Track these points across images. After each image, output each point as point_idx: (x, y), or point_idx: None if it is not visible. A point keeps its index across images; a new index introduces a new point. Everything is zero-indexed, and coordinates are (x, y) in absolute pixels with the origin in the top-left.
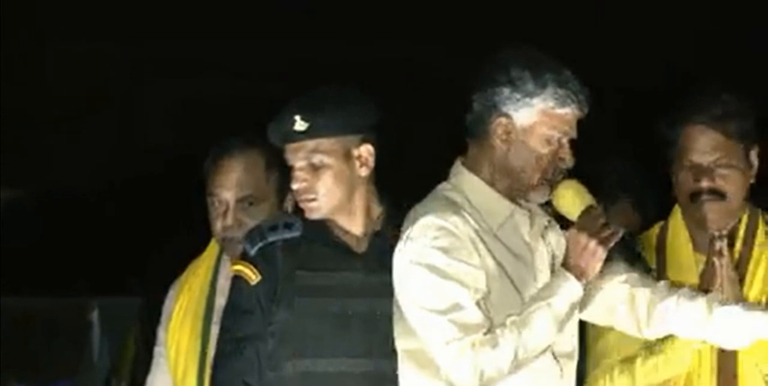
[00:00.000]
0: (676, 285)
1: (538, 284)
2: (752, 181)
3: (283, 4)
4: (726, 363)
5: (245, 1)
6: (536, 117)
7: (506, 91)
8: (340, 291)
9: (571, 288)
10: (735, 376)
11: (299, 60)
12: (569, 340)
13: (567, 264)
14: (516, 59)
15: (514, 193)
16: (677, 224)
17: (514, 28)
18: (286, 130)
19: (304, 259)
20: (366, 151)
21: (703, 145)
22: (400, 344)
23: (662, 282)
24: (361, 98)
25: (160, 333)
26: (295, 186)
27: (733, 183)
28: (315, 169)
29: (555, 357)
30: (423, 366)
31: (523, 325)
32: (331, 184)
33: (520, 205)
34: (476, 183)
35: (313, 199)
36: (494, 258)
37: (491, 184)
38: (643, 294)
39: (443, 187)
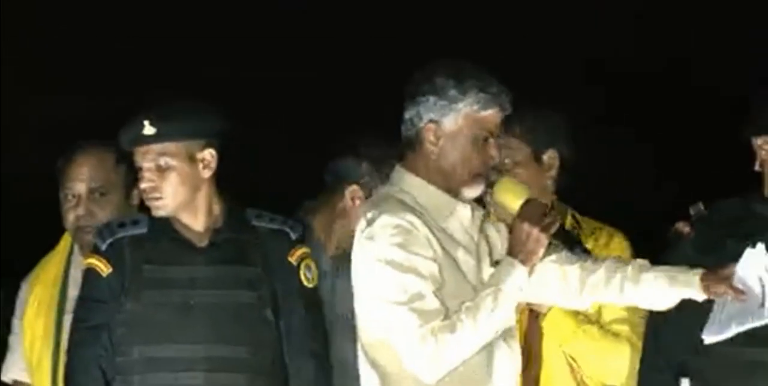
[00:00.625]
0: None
1: (483, 272)
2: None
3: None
4: (530, 345)
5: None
6: (461, 120)
7: (432, 99)
8: (183, 283)
9: (518, 274)
10: (539, 356)
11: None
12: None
13: (512, 252)
14: (440, 70)
15: (452, 191)
16: None
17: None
18: (135, 133)
19: (149, 254)
20: (209, 154)
21: None
22: (362, 338)
23: (590, 259)
24: (206, 108)
25: (15, 322)
26: (143, 185)
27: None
28: (161, 170)
29: (506, 342)
30: (384, 358)
31: (477, 310)
32: (176, 184)
33: (461, 200)
34: (418, 183)
35: (160, 198)
36: (445, 250)
37: (433, 183)
38: (573, 269)
39: (389, 190)
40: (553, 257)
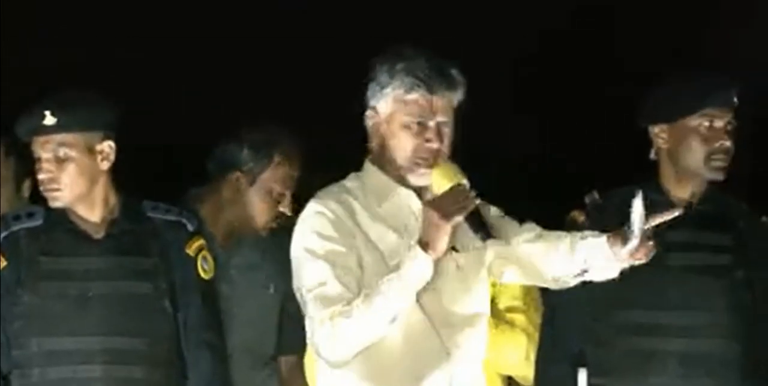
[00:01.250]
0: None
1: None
2: None
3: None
4: None
5: None
6: (392, 105)
7: (371, 85)
8: (80, 275)
9: (419, 261)
10: None
11: None
12: (462, 307)
13: (420, 239)
14: (382, 57)
15: (399, 177)
16: None
17: None
18: (35, 123)
19: (45, 245)
20: (108, 146)
21: None
22: None
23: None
24: (101, 99)
25: None
26: (41, 176)
27: None
28: (60, 161)
29: (436, 330)
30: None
31: (374, 295)
32: (74, 175)
33: (408, 185)
34: (371, 170)
35: (57, 189)
36: (367, 235)
37: (385, 170)
38: (536, 249)
39: (349, 176)
40: (526, 236)
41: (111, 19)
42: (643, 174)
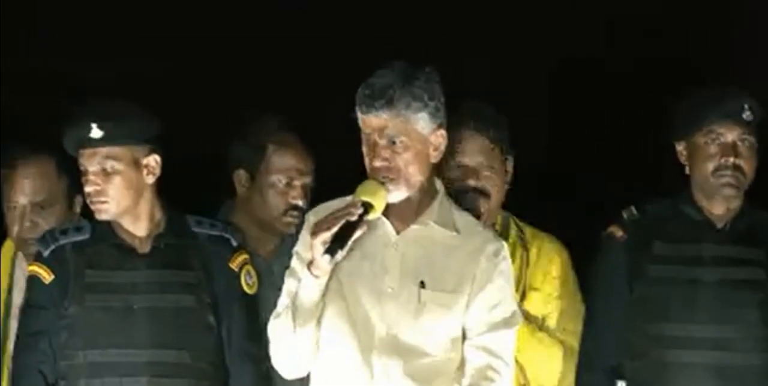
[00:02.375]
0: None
1: (385, 280)
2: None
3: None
4: None
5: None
6: (360, 123)
7: None
8: (125, 288)
9: (305, 279)
10: None
11: None
12: (409, 341)
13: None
14: None
15: None
16: None
17: None
18: (82, 136)
19: (91, 259)
20: (153, 160)
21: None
22: None
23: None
24: (146, 112)
25: None
26: (87, 189)
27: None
28: (107, 174)
29: (368, 360)
30: None
31: (285, 308)
32: (121, 188)
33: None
34: None
35: (104, 202)
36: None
37: None
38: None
39: None
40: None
41: (112, 23)
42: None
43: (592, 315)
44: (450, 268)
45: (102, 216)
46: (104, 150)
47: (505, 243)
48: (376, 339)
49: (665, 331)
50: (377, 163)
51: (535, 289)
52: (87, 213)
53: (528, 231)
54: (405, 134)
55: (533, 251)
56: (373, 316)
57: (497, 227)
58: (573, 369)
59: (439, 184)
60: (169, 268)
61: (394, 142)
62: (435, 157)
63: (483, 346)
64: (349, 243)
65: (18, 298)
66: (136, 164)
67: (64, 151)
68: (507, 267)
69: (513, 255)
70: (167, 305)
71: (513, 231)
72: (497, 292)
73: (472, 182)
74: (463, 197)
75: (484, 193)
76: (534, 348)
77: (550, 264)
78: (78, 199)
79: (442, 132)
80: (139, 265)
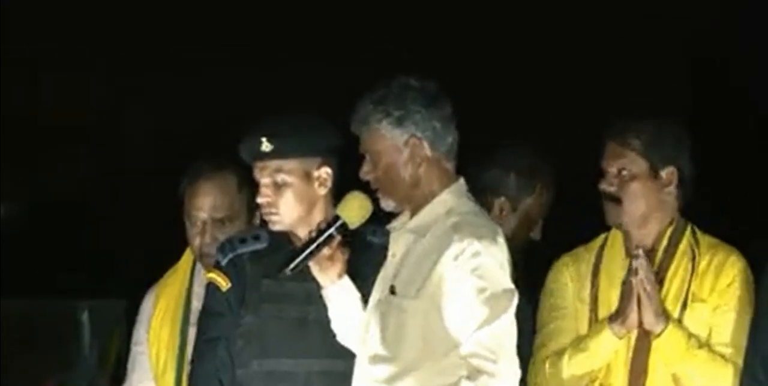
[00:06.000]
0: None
1: (375, 294)
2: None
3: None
4: (638, 360)
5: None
6: None
7: None
8: (301, 298)
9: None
10: (645, 371)
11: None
12: (387, 351)
13: None
14: None
15: None
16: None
17: None
18: (253, 149)
19: (268, 268)
20: (325, 172)
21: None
22: None
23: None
24: (321, 123)
25: (138, 332)
26: (259, 200)
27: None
28: (278, 186)
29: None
30: None
31: None
32: (291, 200)
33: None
34: None
35: (275, 213)
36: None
37: None
38: None
39: None
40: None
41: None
42: None
43: (757, 326)
44: (416, 273)
45: (275, 227)
46: (274, 163)
47: (476, 241)
48: (365, 348)
49: None
50: (362, 176)
51: (701, 301)
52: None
53: (705, 241)
54: (369, 149)
55: (704, 262)
56: (369, 326)
57: (665, 239)
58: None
59: (448, 190)
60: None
61: (370, 157)
62: (409, 163)
63: (474, 345)
64: (304, 256)
65: (197, 306)
66: (307, 176)
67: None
68: (479, 263)
69: (679, 264)
70: None
71: (685, 240)
72: (471, 292)
73: (603, 186)
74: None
75: (614, 199)
76: (692, 365)
77: (722, 276)
78: (259, 213)
79: (414, 141)
80: (313, 276)
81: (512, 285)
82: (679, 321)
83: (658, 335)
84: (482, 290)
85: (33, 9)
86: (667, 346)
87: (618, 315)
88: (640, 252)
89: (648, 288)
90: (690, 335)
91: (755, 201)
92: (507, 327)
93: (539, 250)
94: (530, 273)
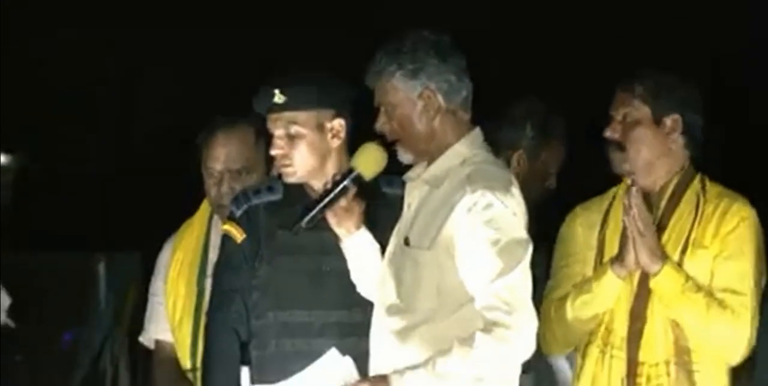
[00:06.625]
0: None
1: (392, 240)
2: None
3: None
4: (638, 305)
5: None
6: None
7: None
8: (316, 249)
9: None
10: (644, 316)
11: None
12: (406, 302)
13: None
14: None
15: None
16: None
17: None
18: (266, 101)
19: (283, 220)
20: (338, 124)
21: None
22: None
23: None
24: (334, 77)
25: (156, 283)
26: (273, 152)
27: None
28: (291, 138)
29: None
30: None
31: None
32: (305, 152)
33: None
34: None
35: (289, 165)
36: None
37: None
38: None
39: None
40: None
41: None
42: None
43: None
44: (430, 224)
45: (289, 179)
46: (287, 115)
47: (489, 193)
48: (381, 298)
49: None
50: (378, 129)
51: (703, 247)
52: None
53: (714, 190)
54: (387, 99)
55: (709, 209)
56: (385, 277)
57: (673, 182)
58: (740, 329)
59: (463, 141)
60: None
61: (384, 109)
62: (424, 115)
63: (489, 297)
64: (319, 208)
65: (214, 257)
66: (320, 128)
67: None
68: (492, 214)
69: (683, 211)
70: None
71: (692, 187)
72: (485, 244)
73: (607, 133)
74: None
75: (618, 145)
76: (687, 309)
77: (724, 223)
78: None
79: (428, 93)
80: (330, 226)
81: (526, 236)
82: (680, 265)
83: (655, 275)
84: (496, 242)
85: None
86: (662, 287)
87: (618, 256)
88: (633, 189)
89: (640, 225)
90: (688, 278)
91: None
92: (522, 279)
93: (554, 201)
94: (546, 224)
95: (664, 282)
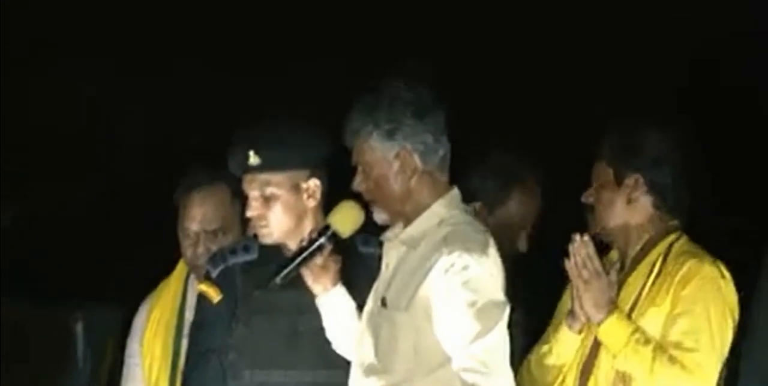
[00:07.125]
0: None
1: (369, 304)
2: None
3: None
4: (589, 358)
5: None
6: None
7: None
8: (292, 309)
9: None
10: (592, 370)
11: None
12: (377, 361)
13: None
14: None
15: None
16: None
17: None
18: (241, 162)
19: (259, 279)
20: (313, 184)
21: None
22: None
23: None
24: (309, 133)
25: (132, 345)
26: (248, 213)
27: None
28: (267, 199)
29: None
30: None
31: None
32: (280, 213)
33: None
34: None
35: (265, 226)
36: None
37: None
38: None
39: None
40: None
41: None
42: None
43: (752, 335)
44: (407, 285)
45: (265, 241)
46: (262, 176)
47: (465, 254)
48: (359, 358)
49: None
50: (355, 189)
51: (655, 305)
52: None
53: (681, 249)
54: (361, 161)
55: (668, 268)
56: (363, 337)
57: (642, 240)
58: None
59: (440, 202)
60: None
61: (362, 168)
62: (400, 175)
63: (467, 359)
64: (294, 265)
65: (190, 317)
66: (296, 188)
67: None
68: (469, 276)
69: (642, 270)
70: None
71: (659, 247)
72: (462, 306)
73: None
74: None
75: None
76: (633, 362)
77: (682, 282)
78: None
79: (404, 154)
80: (305, 286)
81: (503, 297)
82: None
83: (599, 325)
84: (473, 303)
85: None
86: (607, 338)
87: (571, 308)
88: (578, 238)
89: (585, 274)
90: (636, 330)
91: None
92: (499, 340)
93: (528, 262)
94: (517, 287)
95: (609, 332)
